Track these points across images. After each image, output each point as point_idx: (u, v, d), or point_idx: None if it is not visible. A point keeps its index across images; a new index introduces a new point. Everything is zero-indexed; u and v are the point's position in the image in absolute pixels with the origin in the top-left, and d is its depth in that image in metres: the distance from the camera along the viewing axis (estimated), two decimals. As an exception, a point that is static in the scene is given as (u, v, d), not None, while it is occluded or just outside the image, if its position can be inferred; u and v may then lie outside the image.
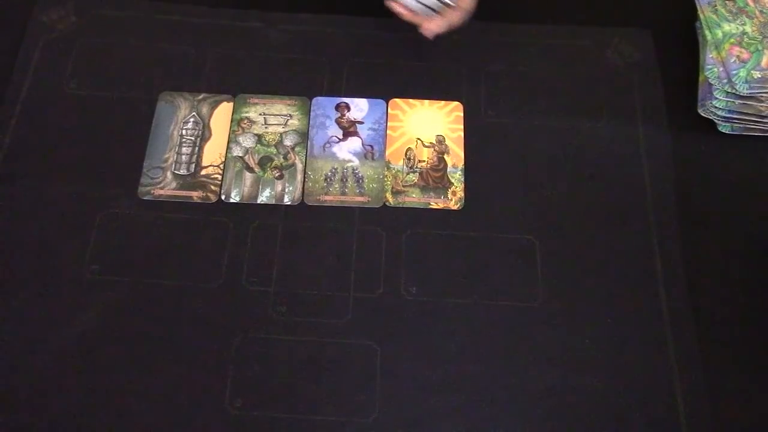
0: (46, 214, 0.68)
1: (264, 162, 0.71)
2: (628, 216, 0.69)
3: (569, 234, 0.68)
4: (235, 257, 0.66)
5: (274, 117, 0.74)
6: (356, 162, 0.71)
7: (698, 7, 0.76)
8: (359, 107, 0.74)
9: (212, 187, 0.70)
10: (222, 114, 0.73)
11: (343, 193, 0.70)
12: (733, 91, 0.70)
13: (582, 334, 0.64)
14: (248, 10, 0.79)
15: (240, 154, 0.71)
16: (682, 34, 0.79)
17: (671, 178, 0.71)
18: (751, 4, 0.75)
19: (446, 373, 0.62)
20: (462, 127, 0.73)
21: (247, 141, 0.72)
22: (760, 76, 0.70)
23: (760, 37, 0.73)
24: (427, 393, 0.61)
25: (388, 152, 0.72)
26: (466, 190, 0.70)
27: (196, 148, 0.72)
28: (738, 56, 0.71)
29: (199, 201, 0.69)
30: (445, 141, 0.73)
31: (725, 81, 0.71)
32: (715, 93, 0.72)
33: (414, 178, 0.71)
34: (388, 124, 0.74)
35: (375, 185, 0.70)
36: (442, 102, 0.75)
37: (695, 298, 0.65)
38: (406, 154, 0.72)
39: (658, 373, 0.62)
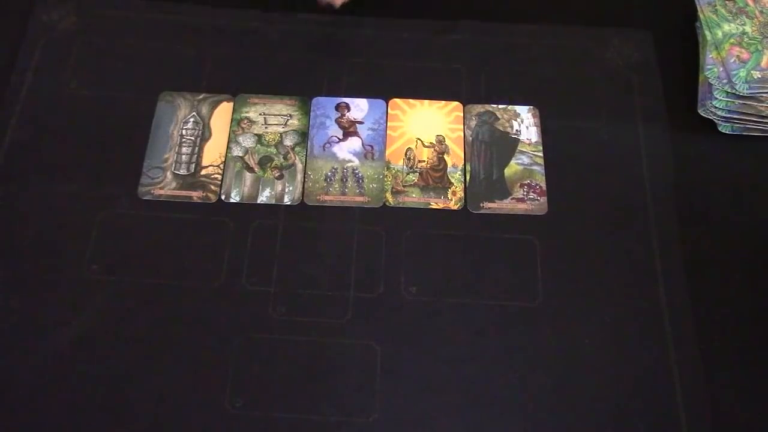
0: (46, 214, 0.68)
1: (264, 162, 0.71)
2: (628, 216, 0.69)
3: (569, 234, 0.68)
4: (235, 257, 0.66)
5: (274, 117, 0.74)
6: (356, 162, 0.71)
7: (698, 7, 0.76)
8: (359, 107, 0.74)
9: (212, 187, 0.70)
10: (222, 114, 0.73)
11: (343, 193, 0.70)
12: (733, 91, 0.70)
13: (582, 334, 0.64)
14: (248, 10, 0.79)
15: (240, 154, 0.71)
16: (682, 34, 0.79)
17: (671, 178, 0.71)
18: (751, 4, 0.75)
19: (446, 373, 0.62)
20: (462, 127, 0.74)
21: (247, 141, 0.72)
22: (760, 76, 0.70)
23: (760, 37, 0.73)
24: (427, 393, 0.61)
25: (388, 152, 0.72)
26: (467, 190, 0.70)
27: (196, 148, 0.72)
28: (738, 56, 0.71)
29: (199, 201, 0.69)
30: (445, 141, 0.73)
31: (725, 81, 0.71)
32: (715, 93, 0.72)
33: (414, 178, 0.71)
34: (388, 124, 0.74)
35: (375, 185, 0.70)
36: (442, 102, 0.75)
37: (695, 298, 0.65)
38: (406, 154, 0.72)
39: (658, 373, 0.62)
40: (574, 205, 0.70)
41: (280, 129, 0.73)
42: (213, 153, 0.71)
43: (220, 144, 0.72)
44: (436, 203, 0.70)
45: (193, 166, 0.71)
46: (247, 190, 0.70)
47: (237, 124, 0.73)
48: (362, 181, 0.70)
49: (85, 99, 0.74)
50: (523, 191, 0.70)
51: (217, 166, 0.71)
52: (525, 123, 0.74)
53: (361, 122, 0.74)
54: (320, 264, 0.66)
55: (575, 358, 0.63)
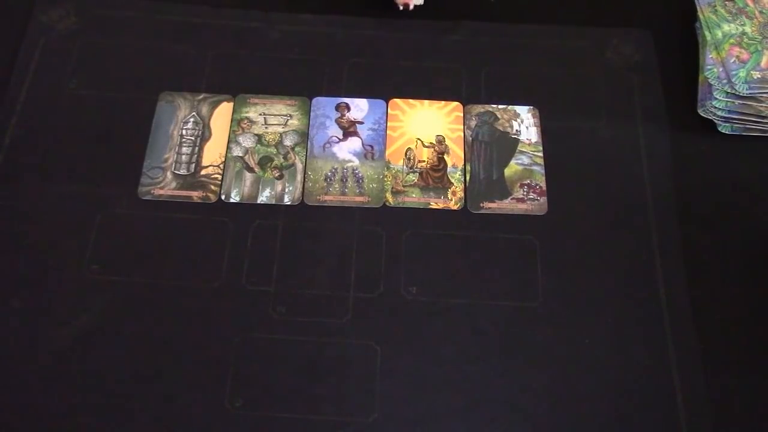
0: (46, 214, 0.68)
1: (264, 162, 0.71)
2: (628, 216, 0.69)
3: (569, 234, 0.68)
4: (235, 257, 0.66)
5: (274, 117, 0.74)
6: (356, 162, 0.71)
7: (698, 8, 0.76)
8: (359, 107, 0.74)
9: (212, 187, 0.70)
10: (222, 114, 0.73)
11: (343, 193, 0.70)
12: (733, 91, 0.70)
13: (582, 334, 0.64)
14: (248, 10, 0.79)
15: (240, 154, 0.71)
16: (682, 34, 0.79)
17: (671, 178, 0.71)
18: (751, 4, 0.75)
19: (446, 373, 0.62)
20: (462, 127, 0.74)
21: (247, 141, 0.72)
22: (759, 76, 0.70)
23: (760, 37, 0.73)
24: (427, 393, 0.61)
25: (388, 152, 0.72)
26: (467, 190, 0.70)
27: (196, 148, 0.72)
28: (738, 56, 0.71)
29: (199, 201, 0.69)
30: (445, 141, 0.73)
31: (725, 81, 0.71)
32: (714, 93, 0.72)
33: (414, 178, 0.71)
34: (388, 124, 0.74)
35: (375, 185, 0.70)
36: (442, 102, 0.75)
37: (695, 298, 0.65)
38: (406, 154, 0.72)
39: (658, 373, 0.62)
40: (574, 205, 0.70)
41: (280, 129, 0.73)
42: (213, 153, 0.71)
43: (220, 144, 0.72)
44: (436, 203, 0.70)
45: (193, 166, 0.71)
46: (247, 190, 0.70)
47: (237, 124, 0.73)
48: (362, 181, 0.70)
49: (85, 99, 0.74)
50: (523, 191, 0.70)
51: (217, 166, 0.71)
52: (525, 123, 0.74)
53: (361, 122, 0.74)
54: (320, 264, 0.66)
55: (575, 358, 0.63)
